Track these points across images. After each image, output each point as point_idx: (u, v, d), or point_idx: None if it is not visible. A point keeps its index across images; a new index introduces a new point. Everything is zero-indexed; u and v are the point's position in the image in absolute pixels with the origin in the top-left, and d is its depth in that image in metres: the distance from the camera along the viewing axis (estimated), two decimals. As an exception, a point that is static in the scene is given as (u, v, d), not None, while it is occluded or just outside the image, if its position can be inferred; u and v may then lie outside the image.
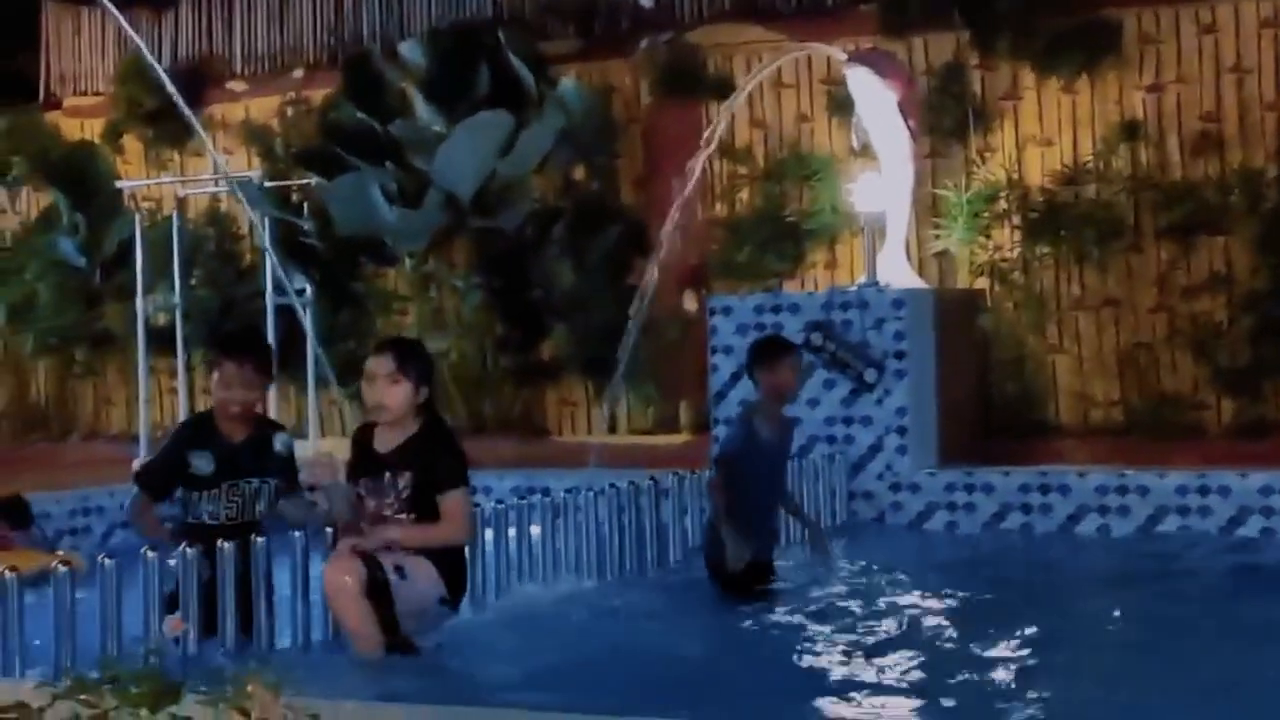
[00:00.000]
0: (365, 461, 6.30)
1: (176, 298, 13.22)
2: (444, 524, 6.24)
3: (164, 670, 2.74)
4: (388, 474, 6.20)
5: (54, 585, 5.75)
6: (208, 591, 6.08)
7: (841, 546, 9.30)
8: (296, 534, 6.49)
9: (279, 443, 6.59)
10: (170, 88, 10.84)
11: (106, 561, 5.86)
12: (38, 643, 5.73)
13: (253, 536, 6.35)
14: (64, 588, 5.75)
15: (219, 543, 6.17)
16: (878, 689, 5.94)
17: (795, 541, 8.95)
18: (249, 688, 2.62)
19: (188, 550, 6.09)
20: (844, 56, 11.62)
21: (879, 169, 11.37)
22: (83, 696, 2.57)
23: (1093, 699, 5.77)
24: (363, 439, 6.43)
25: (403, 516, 6.19)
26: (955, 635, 6.91)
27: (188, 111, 11.07)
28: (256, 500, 6.55)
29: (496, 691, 5.71)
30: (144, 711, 2.55)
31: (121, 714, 2.57)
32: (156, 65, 11.97)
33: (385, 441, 6.31)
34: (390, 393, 6.22)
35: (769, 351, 8.28)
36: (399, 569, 6.09)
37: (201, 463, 6.53)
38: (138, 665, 2.75)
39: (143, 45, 12.32)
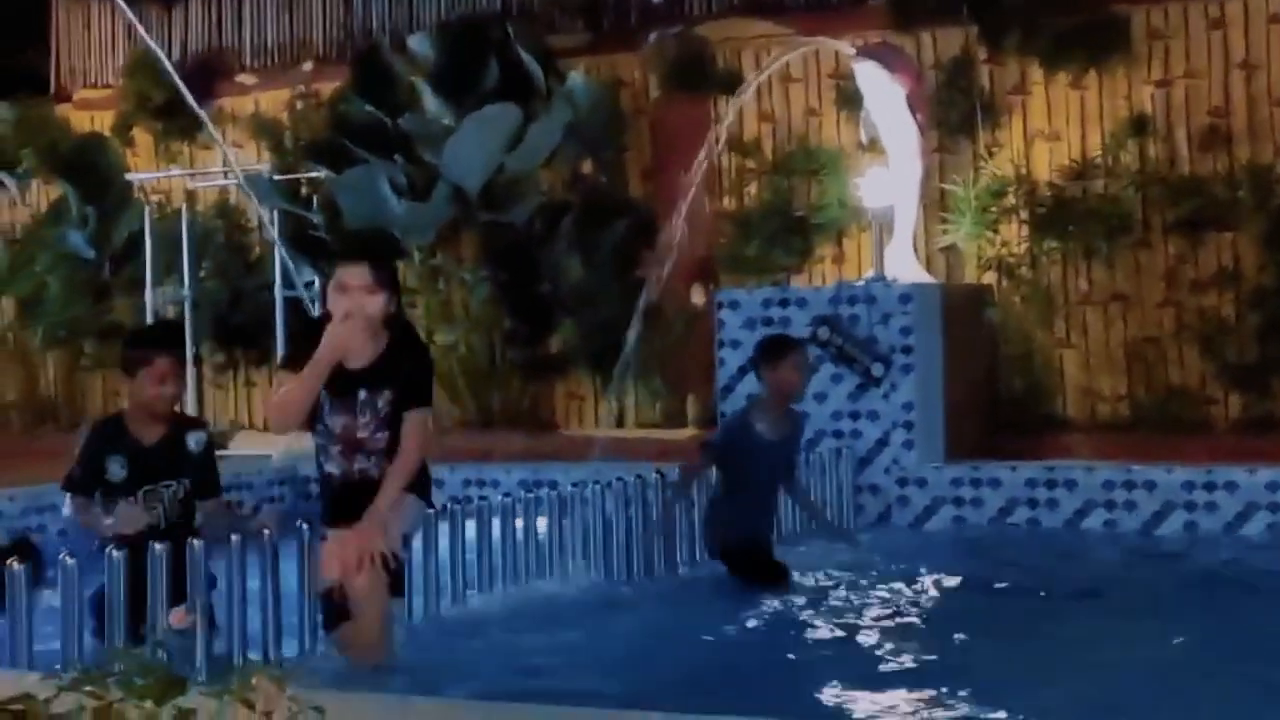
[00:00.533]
0: (335, 380, 5.85)
1: (185, 290, 13.26)
2: (411, 450, 5.90)
3: (169, 663, 2.75)
4: (363, 391, 5.84)
5: (62, 577, 5.77)
6: (133, 594, 5.75)
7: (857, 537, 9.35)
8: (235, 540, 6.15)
9: (192, 441, 6.38)
10: (178, 82, 10.87)
11: (114, 554, 5.87)
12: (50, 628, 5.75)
13: (189, 540, 5.96)
14: (73, 579, 5.76)
15: (152, 545, 5.85)
16: (884, 681, 5.96)
17: (804, 531, 9.00)
18: (254, 680, 2.63)
19: (113, 552, 5.79)
20: (852, 51, 11.62)
21: (887, 164, 11.37)
22: (88, 688, 2.58)
23: (1098, 690, 5.78)
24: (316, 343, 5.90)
25: (380, 436, 5.84)
26: (960, 629, 6.92)
27: (196, 106, 11.09)
28: (176, 503, 6.32)
29: (502, 685, 5.72)
30: (149, 704, 2.57)
31: (126, 706, 2.59)
32: (165, 60, 12.01)
33: (355, 357, 5.88)
34: (370, 302, 5.85)
35: (774, 350, 8.33)
36: (395, 556, 5.99)
37: (115, 468, 6.32)
38: (144, 658, 2.77)
39: (150, 41, 12.34)
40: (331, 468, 6.00)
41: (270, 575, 6.12)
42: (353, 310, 5.82)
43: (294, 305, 12.69)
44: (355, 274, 5.90)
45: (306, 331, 6.00)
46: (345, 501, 5.99)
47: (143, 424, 6.39)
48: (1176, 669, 6.12)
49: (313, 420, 5.95)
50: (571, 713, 3.46)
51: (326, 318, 5.95)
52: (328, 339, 5.77)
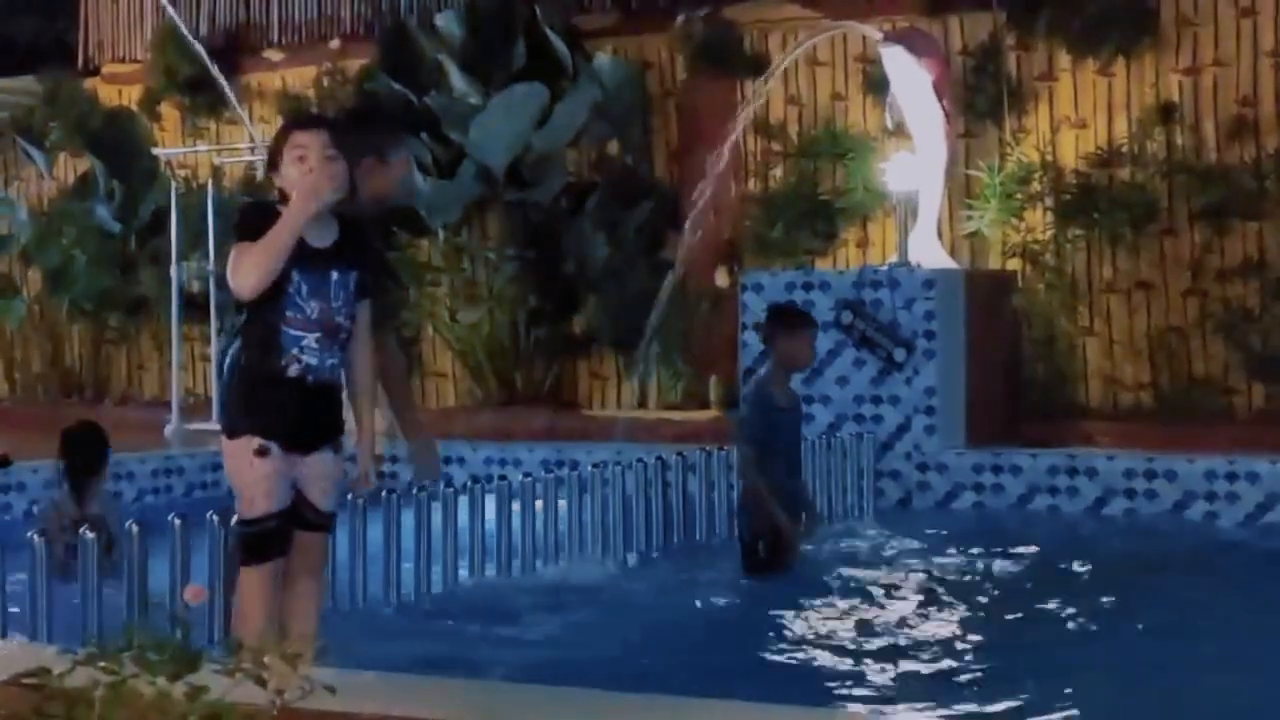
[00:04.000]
0: (303, 257, 5.16)
1: (210, 265, 13.30)
2: (367, 348, 5.37)
3: (185, 639, 2.77)
4: (335, 272, 5.20)
5: (82, 551, 5.81)
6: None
7: (861, 527, 9.37)
8: None
9: None
10: (206, 59, 10.88)
11: (134, 528, 5.91)
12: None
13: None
14: (90, 553, 5.80)
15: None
16: (900, 667, 5.97)
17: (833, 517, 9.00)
18: (266, 659, 2.65)
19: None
20: (879, 36, 11.59)
21: (913, 148, 11.35)
22: (102, 664, 2.60)
23: (1113, 678, 5.79)
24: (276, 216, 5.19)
25: (348, 325, 5.24)
26: (978, 614, 6.93)
27: (221, 80, 11.10)
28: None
29: (517, 665, 5.74)
30: (162, 680, 2.58)
31: (140, 682, 2.60)
32: (191, 39, 12.01)
33: (317, 235, 5.23)
34: (334, 171, 5.17)
35: (792, 319, 8.23)
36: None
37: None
38: (160, 633, 2.79)
39: (177, 17, 12.35)
40: (308, 360, 5.16)
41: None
42: (327, 182, 5.15)
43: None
44: (314, 138, 5.19)
45: (263, 211, 5.22)
46: (314, 408, 5.25)
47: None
48: (1191, 655, 6.12)
49: (273, 309, 5.16)
50: (579, 694, 3.47)
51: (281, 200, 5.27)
52: (303, 190, 5.09)
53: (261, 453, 5.12)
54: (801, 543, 7.95)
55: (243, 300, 5.15)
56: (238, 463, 5.18)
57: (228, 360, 5.52)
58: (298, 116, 6.08)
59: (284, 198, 5.17)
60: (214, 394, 13.51)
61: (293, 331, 5.13)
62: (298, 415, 5.17)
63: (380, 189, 5.78)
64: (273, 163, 5.24)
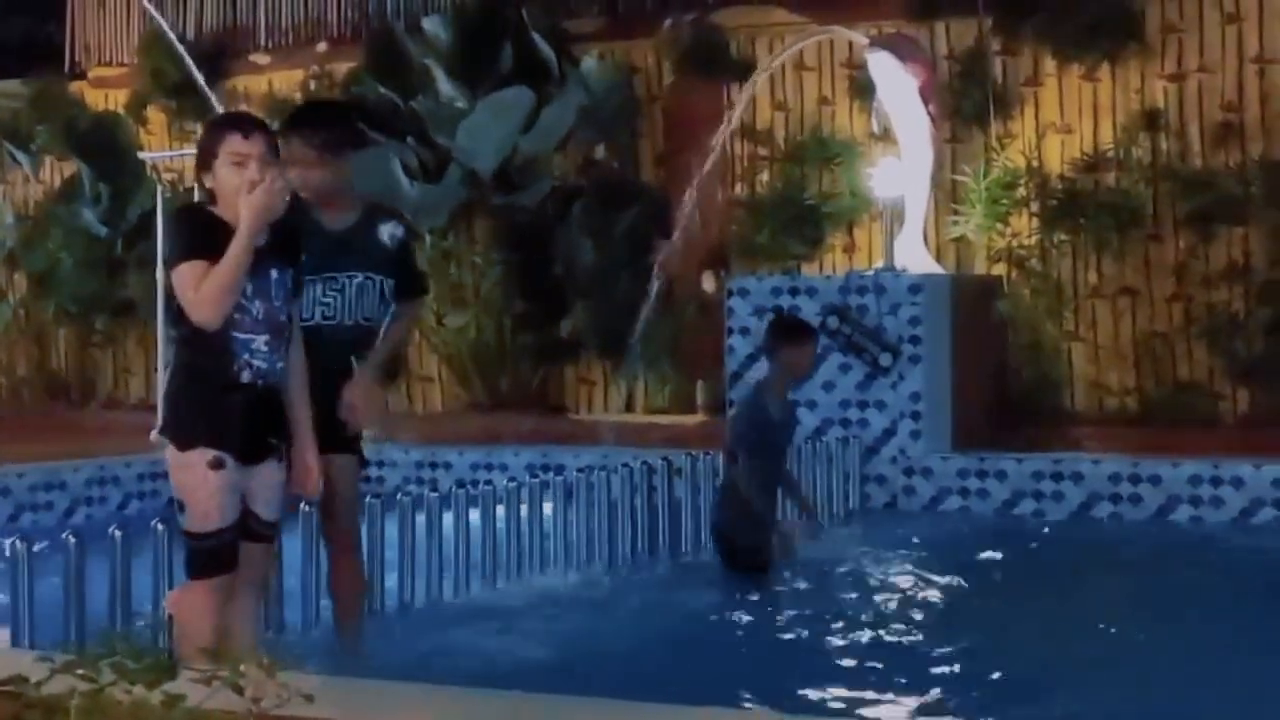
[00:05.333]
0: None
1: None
2: (299, 348, 5.26)
3: (163, 647, 2.78)
4: (274, 270, 5.06)
5: (64, 554, 5.80)
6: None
7: (847, 531, 9.38)
8: None
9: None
10: (189, 64, 10.87)
11: (116, 533, 5.90)
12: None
13: None
14: (73, 557, 5.79)
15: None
16: (886, 671, 5.98)
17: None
18: (243, 667, 2.65)
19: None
20: (865, 41, 11.61)
21: (899, 154, 11.37)
22: (80, 671, 2.60)
23: (1098, 680, 5.80)
24: (216, 223, 5.06)
25: (288, 324, 5.17)
26: (963, 618, 6.94)
27: (204, 85, 11.10)
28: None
29: (498, 671, 5.74)
30: (139, 688, 2.59)
31: (118, 690, 2.61)
32: (176, 42, 12.01)
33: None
34: (278, 185, 5.04)
35: (796, 332, 8.28)
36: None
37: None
38: (140, 640, 2.79)
39: (163, 21, 12.34)
40: (259, 364, 5.05)
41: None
42: (259, 181, 5.00)
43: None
44: (254, 145, 5.03)
45: (203, 220, 5.07)
46: (265, 414, 5.15)
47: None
48: (1172, 658, 6.13)
49: None
50: (560, 701, 3.48)
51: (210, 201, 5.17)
52: (255, 208, 4.94)
53: (216, 465, 4.99)
54: (782, 548, 7.95)
55: (196, 321, 4.97)
56: (189, 476, 5.03)
57: (170, 369, 5.37)
58: (231, 119, 5.89)
59: (213, 199, 5.06)
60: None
61: (242, 335, 5.01)
62: (250, 423, 5.06)
63: (315, 183, 5.76)
64: (204, 163, 5.08)
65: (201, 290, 4.92)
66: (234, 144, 5.03)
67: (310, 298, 5.62)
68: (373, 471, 11.43)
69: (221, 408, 5.04)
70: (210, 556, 5.05)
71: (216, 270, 4.91)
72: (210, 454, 4.99)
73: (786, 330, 8.31)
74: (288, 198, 5.12)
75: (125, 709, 2.59)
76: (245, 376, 5.04)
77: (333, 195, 5.84)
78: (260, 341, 5.04)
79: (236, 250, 4.92)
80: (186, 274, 4.96)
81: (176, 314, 5.08)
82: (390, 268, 5.91)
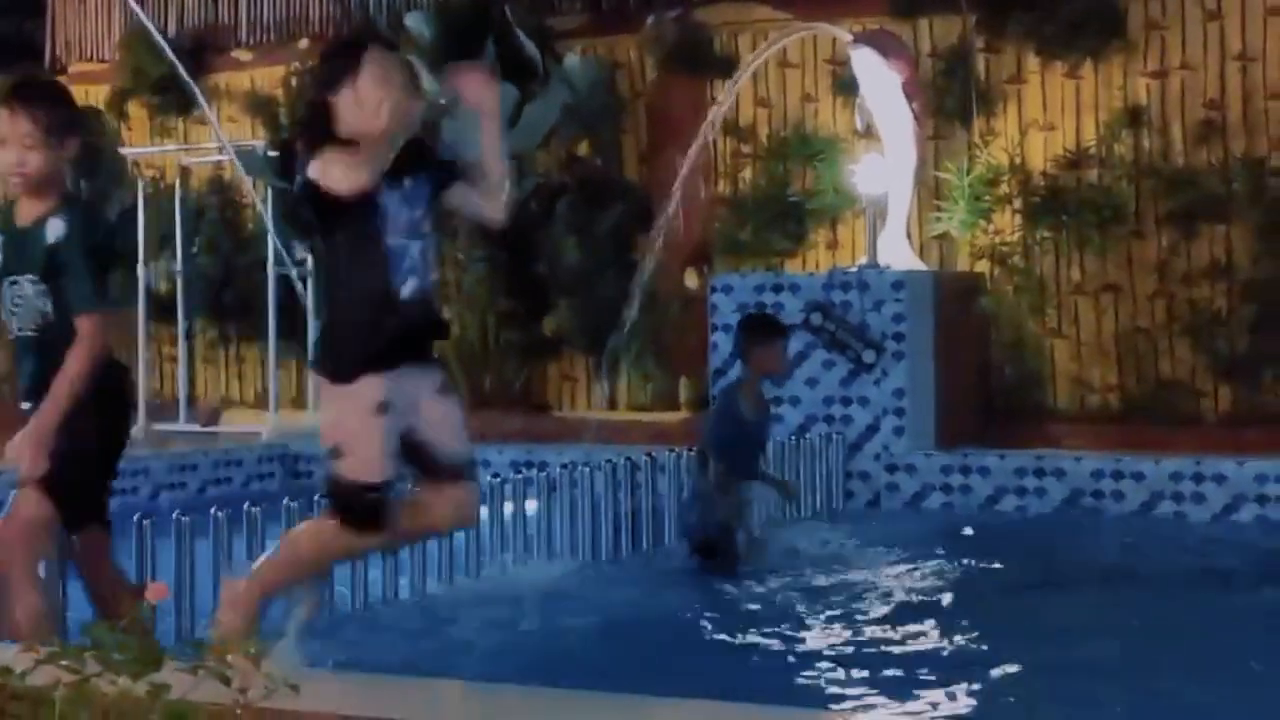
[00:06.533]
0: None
1: (178, 265, 13.28)
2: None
3: (147, 637, 2.76)
4: (407, 180, 4.98)
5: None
6: None
7: (829, 528, 9.40)
8: None
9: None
10: (172, 58, 10.84)
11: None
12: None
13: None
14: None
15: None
16: (866, 667, 5.97)
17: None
18: (230, 657, 2.64)
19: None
20: (849, 37, 11.61)
21: (882, 150, 11.37)
22: (64, 662, 2.59)
23: (1078, 675, 5.81)
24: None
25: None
26: (944, 614, 6.94)
27: (188, 79, 11.06)
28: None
29: (482, 666, 5.73)
30: (124, 679, 2.58)
31: (102, 681, 2.59)
32: (159, 36, 11.97)
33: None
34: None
35: (766, 330, 8.32)
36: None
37: None
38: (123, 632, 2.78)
39: (144, 16, 12.31)
40: (416, 281, 4.92)
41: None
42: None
43: (288, 282, 12.70)
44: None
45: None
46: (423, 336, 5.09)
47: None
48: (1156, 652, 6.14)
49: (371, 217, 4.88)
50: (543, 694, 3.47)
51: None
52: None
53: (382, 409, 4.68)
54: (746, 551, 7.99)
55: (339, 202, 4.68)
56: (352, 415, 4.67)
57: (321, 294, 5.20)
58: (369, 36, 5.67)
59: (327, 134, 4.80)
60: (181, 393, 13.51)
61: (398, 241, 4.80)
62: (410, 347, 4.82)
63: (34, 168, 5.12)
64: (331, 84, 4.87)
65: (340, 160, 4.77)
66: (375, 72, 4.91)
67: (5, 304, 5.17)
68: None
69: (383, 330, 4.77)
70: (375, 510, 4.76)
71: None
72: (377, 392, 4.70)
73: (755, 329, 8.34)
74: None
75: (111, 700, 2.57)
76: (407, 290, 4.81)
77: (43, 186, 5.12)
78: (415, 249, 4.88)
79: None
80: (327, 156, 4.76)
81: (307, 228, 4.95)
82: (44, 271, 5.08)
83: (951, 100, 12.28)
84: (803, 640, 6.51)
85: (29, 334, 5.13)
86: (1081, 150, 11.97)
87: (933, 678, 5.76)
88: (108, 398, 5.16)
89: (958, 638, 6.46)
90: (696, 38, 13.34)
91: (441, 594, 7.24)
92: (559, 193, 13.37)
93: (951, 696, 5.52)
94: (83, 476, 5.14)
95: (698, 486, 8.12)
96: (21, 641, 3.70)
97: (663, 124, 13.35)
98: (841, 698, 5.55)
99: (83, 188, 14.55)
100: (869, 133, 11.61)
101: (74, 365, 4.97)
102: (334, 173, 4.67)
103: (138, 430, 12.37)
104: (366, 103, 4.80)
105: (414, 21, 13.68)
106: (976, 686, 5.63)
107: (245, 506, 6.46)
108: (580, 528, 8.14)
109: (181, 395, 13.47)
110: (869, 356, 10.43)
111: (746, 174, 13.16)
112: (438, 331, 5.02)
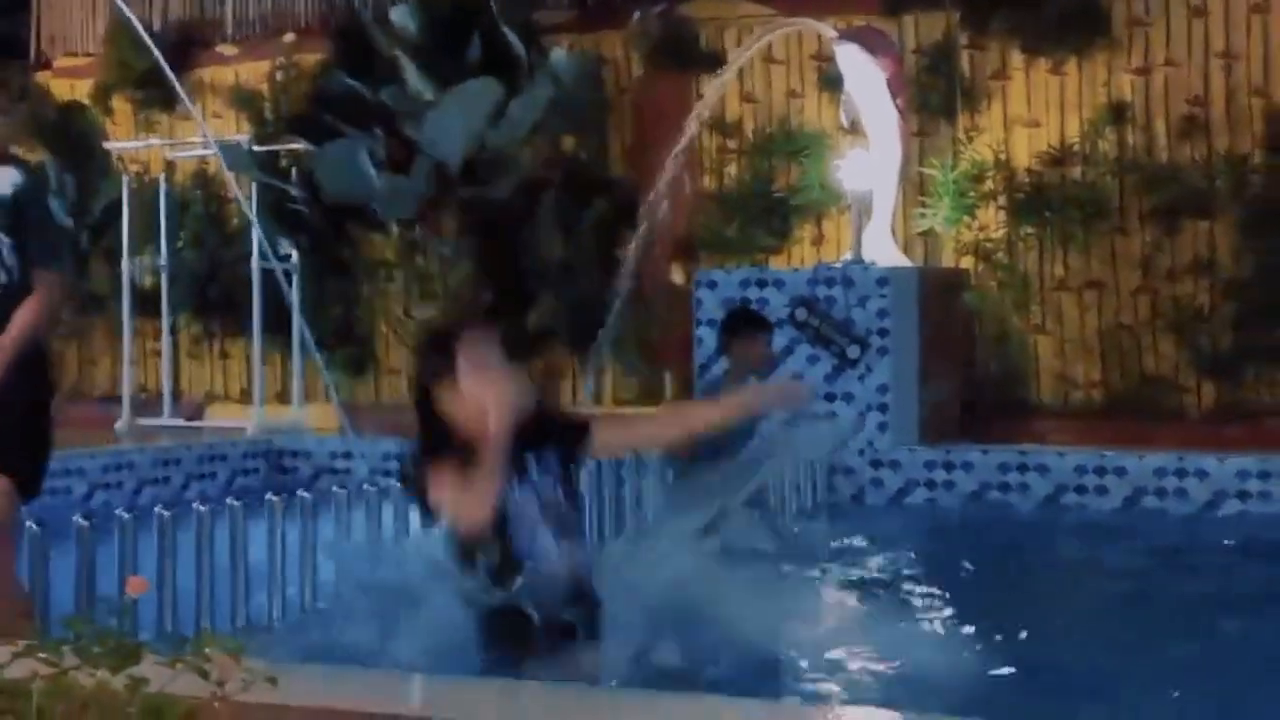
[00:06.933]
0: None
1: (163, 260, 13.27)
2: None
3: (126, 631, 2.76)
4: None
5: (28, 543, 5.77)
6: None
7: (813, 523, 9.42)
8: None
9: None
10: (156, 53, 10.82)
11: (82, 522, 5.88)
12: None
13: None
14: (37, 545, 5.77)
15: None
16: (849, 661, 5.98)
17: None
18: (208, 650, 2.64)
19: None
20: (834, 34, 11.62)
21: (867, 146, 11.38)
22: (42, 655, 2.59)
23: (1061, 666, 5.82)
24: None
25: None
26: (927, 609, 6.96)
27: (171, 76, 11.05)
28: None
29: (461, 660, 5.72)
30: (103, 672, 2.58)
31: (81, 674, 2.60)
32: (142, 31, 11.95)
33: None
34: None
35: (751, 325, 8.32)
36: None
37: None
38: (102, 625, 2.78)
39: (128, 11, 12.27)
40: None
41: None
42: None
43: (273, 277, 12.69)
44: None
45: None
46: None
47: None
48: (1140, 643, 6.16)
49: None
50: (523, 686, 3.48)
51: None
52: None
53: None
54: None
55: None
56: None
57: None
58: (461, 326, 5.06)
59: (445, 442, 4.52)
60: (165, 388, 13.48)
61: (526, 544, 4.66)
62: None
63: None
64: (432, 386, 4.58)
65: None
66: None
67: None
68: (340, 463, 11.45)
69: None
70: None
71: None
72: None
73: (736, 324, 8.36)
74: None
75: (89, 692, 2.58)
76: None
77: None
78: None
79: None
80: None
81: None
82: (8, 225, 5.19)
83: (936, 97, 12.30)
84: (784, 636, 6.51)
85: None
86: (1065, 147, 12.00)
87: (915, 672, 5.77)
88: (38, 358, 5.22)
89: (941, 632, 6.47)
90: (682, 33, 13.35)
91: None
92: (544, 187, 13.36)
93: (934, 690, 5.53)
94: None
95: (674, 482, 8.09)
96: None
97: (648, 119, 13.35)
98: (823, 694, 5.56)
99: (66, 181, 14.55)
100: (854, 129, 11.64)
101: (30, 316, 5.02)
102: (463, 510, 4.45)
103: (121, 425, 12.38)
104: (472, 408, 4.49)
105: (400, 16, 13.66)
106: (959, 681, 5.63)
107: (227, 501, 6.45)
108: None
109: (166, 390, 13.45)
110: (853, 352, 10.44)
111: (732, 169, 13.17)
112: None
